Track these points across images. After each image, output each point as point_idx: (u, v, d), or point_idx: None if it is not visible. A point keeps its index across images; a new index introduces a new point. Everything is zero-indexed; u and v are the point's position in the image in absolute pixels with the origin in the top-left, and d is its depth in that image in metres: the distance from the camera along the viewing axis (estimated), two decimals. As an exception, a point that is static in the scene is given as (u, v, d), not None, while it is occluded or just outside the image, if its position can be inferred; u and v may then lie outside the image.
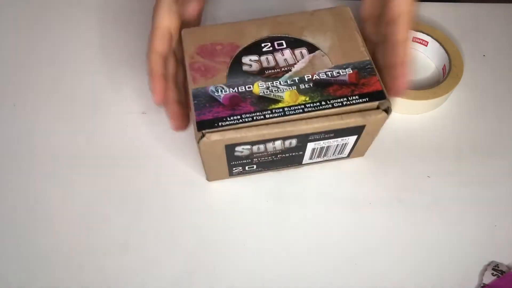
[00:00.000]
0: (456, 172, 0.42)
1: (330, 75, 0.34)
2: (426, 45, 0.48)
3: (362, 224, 0.39)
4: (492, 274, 0.36)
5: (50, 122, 0.44)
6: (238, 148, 0.33)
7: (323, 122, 0.33)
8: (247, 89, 0.33)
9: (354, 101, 0.33)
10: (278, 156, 0.37)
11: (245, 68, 0.34)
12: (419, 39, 0.48)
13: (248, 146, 0.33)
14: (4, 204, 0.39)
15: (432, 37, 0.47)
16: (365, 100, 0.33)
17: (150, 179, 0.41)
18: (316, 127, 0.33)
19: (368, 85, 0.34)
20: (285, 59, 0.35)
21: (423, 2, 0.53)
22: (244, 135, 0.32)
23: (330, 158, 0.40)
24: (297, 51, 0.35)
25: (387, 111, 0.33)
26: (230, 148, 0.33)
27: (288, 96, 0.33)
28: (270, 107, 0.32)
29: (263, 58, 0.35)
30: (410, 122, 0.44)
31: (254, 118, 0.32)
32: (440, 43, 0.47)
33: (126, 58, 0.48)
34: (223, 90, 0.33)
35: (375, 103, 0.33)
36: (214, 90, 0.33)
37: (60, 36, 0.50)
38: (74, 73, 0.47)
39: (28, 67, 0.47)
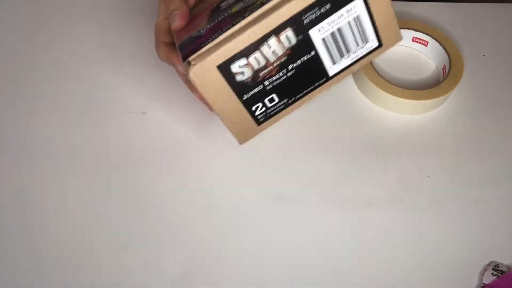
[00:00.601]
0: (456, 172, 0.42)
1: None
2: (426, 45, 0.48)
3: (362, 224, 0.39)
4: (492, 274, 0.36)
5: (50, 122, 0.44)
6: (234, 68, 0.30)
7: None
8: (225, 15, 0.31)
9: None
10: (290, 68, 0.31)
11: (223, 6, 0.32)
12: (419, 39, 0.48)
13: (244, 60, 0.30)
14: (4, 204, 0.39)
15: (432, 37, 0.47)
16: None
17: (150, 179, 0.41)
18: (301, 1, 0.28)
19: None
20: None
21: (423, 2, 0.53)
22: (229, 45, 0.29)
23: (361, 54, 0.32)
24: None
25: None
26: (226, 71, 0.30)
27: None
28: (249, 8, 0.29)
29: None
30: (410, 122, 0.44)
31: (234, 23, 0.29)
32: (440, 43, 0.47)
33: (126, 58, 0.48)
34: (204, 28, 0.31)
35: None
36: (196, 33, 0.32)
37: (60, 36, 0.50)
38: (74, 73, 0.47)
39: (28, 67, 0.47)
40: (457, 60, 0.46)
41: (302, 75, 0.32)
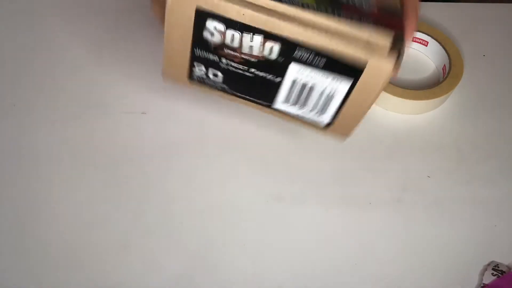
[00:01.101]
0: (456, 172, 0.42)
1: (350, 1, 0.28)
2: (426, 45, 0.48)
3: (362, 224, 0.39)
4: (492, 274, 0.36)
5: (50, 122, 0.44)
6: (209, 24, 0.28)
7: (319, 31, 0.27)
8: None
9: (365, 24, 0.26)
10: (251, 70, 0.30)
11: None
12: (419, 39, 0.48)
13: (221, 27, 0.28)
14: (4, 204, 0.39)
15: (432, 37, 0.47)
16: (379, 28, 0.26)
17: (150, 179, 0.41)
18: (310, 34, 0.27)
19: (389, 20, 0.27)
20: None
21: (423, 2, 0.53)
22: (220, 2, 0.26)
23: (307, 116, 0.32)
24: None
25: (399, 53, 0.27)
26: (200, 20, 0.28)
27: None
28: None
29: None
30: (410, 122, 0.44)
31: None
32: (440, 43, 0.47)
33: (126, 58, 0.48)
34: None
35: (387, 43, 0.27)
36: None
37: (60, 36, 0.50)
38: (74, 73, 0.47)
39: (28, 67, 0.47)
40: (457, 60, 0.46)
41: (253, 84, 0.31)
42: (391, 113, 0.45)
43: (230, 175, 0.41)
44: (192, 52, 0.30)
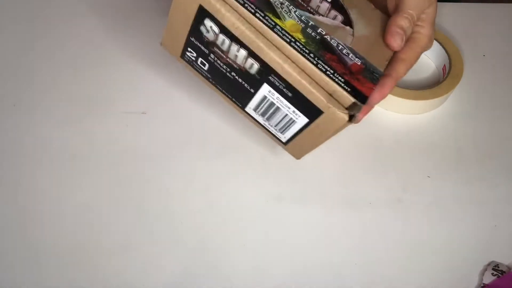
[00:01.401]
0: (456, 172, 0.42)
1: (339, 48, 0.31)
2: None
3: (362, 224, 0.39)
4: (492, 274, 0.36)
5: (50, 122, 0.44)
6: (207, 23, 0.31)
7: (294, 69, 0.30)
8: None
9: (336, 80, 0.30)
10: (232, 74, 0.33)
11: None
12: None
13: (216, 29, 0.31)
14: (4, 204, 0.39)
15: None
16: (346, 89, 0.30)
17: (150, 179, 0.41)
18: (284, 68, 0.30)
19: (361, 83, 0.30)
20: (318, 6, 0.33)
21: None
22: (221, 9, 0.29)
23: (270, 129, 0.36)
24: (333, 12, 0.33)
25: (352, 118, 0.30)
26: (200, 16, 0.31)
27: (290, 24, 0.30)
28: (267, 13, 0.30)
29: None
30: (410, 122, 0.44)
31: (245, 4, 0.29)
32: (440, 43, 0.47)
33: (126, 58, 0.48)
34: None
35: (348, 101, 0.30)
36: None
37: (60, 36, 0.50)
38: (74, 73, 0.47)
39: (28, 67, 0.47)
40: (457, 60, 0.46)
41: (232, 85, 0.34)
42: (391, 113, 0.45)
43: (230, 175, 0.41)
44: (188, 37, 0.33)
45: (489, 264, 0.37)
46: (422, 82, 0.47)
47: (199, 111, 0.44)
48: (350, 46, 0.32)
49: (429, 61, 0.49)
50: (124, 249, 0.37)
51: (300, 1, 0.32)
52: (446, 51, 0.46)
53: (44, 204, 0.39)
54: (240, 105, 0.35)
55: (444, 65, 0.46)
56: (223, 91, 0.36)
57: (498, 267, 0.37)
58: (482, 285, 0.36)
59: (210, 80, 0.36)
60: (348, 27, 0.33)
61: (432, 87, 0.44)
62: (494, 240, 0.38)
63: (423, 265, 0.37)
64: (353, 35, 0.33)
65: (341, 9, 0.34)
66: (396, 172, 0.41)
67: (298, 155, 0.37)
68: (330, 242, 0.38)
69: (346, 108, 0.30)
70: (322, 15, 0.33)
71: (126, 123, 0.44)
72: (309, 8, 0.32)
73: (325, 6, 0.33)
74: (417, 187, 0.41)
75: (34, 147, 0.42)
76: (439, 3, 0.53)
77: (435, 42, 0.47)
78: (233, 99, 0.36)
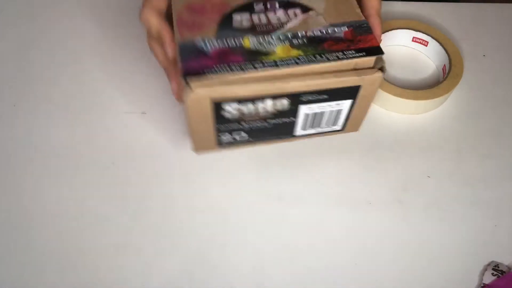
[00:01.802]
0: (456, 172, 0.42)
1: (325, 32, 0.33)
2: (426, 45, 0.48)
3: (362, 224, 0.39)
4: (492, 274, 0.36)
5: (50, 122, 0.44)
6: (226, 107, 0.31)
7: (316, 79, 0.31)
8: (237, 43, 0.31)
9: (350, 55, 0.31)
10: (269, 121, 0.34)
11: (235, 24, 0.33)
12: (419, 39, 0.48)
13: (236, 105, 0.31)
14: (3, 204, 0.39)
15: (432, 37, 0.47)
16: (362, 54, 0.31)
17: (150, 179, 0.41)
18: (309, 84, 0.31)
19: (364, 41, 0.32)
20: (278, 18, 0.34)
21: (423, 2, 0.53)
22: (232, 89, 0.30)
23: (324, 130, 0.37)
24: (290, 11, 0.34)
25: (382, 69, 0.32)
26: (217, 105, 0.31)
27: (280, 50, 0.31)
28: (261, 59, 0.31)
29: (255, 16, 0.33)
30: (410, 122, 0.44)
31: (244, 68, 0.30)
32: (440, 43, 0.47)
33: (126, 58, 0.48)
34: (211, 43, 0.31)
35: (371, 62, 0.32)
36: (202, 42, 0.31)
37: (60, 36, 0.50)
38: (74, 73, 0.47)
39: (28, 67, 0.47)
40: (457, 60, 0.46)
41: (275, 129, 0.35)
42: (391, 113, 0.45)
43: (230, 175, 0.41)
44: (216, 128, 0.34)
45: (489, 264, 0.37)
46: (422, 82, 0.47)
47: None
48: (328, 24, 0.33)
49: (429, 61, 0.49)
50: (124, 249, 0.37)
51: (265, 28, 0.33)
52: (446, 51, 0.46)
53: (44, 204, 0.39)
54: (288, 137, 0.37)
55: (444, 65, 0.46)
56: (270, 139, 0.37)
57: (498, 267, 0.37)
58: (482, 285, 0.36)
59: (254, 141, 0.37)
60: (310, 12, 0.34)
61: (432, 87, 0.44)
62: (494, 240, 0.38)
63: (423, 265, 0.37)
64: (319, 13, 0.34)
65: (292, 5, 0.35)
66: (396, 172, 0.41)
67: (355, 128, 0.39)
68: (330, 242, 0.38)
69: (373, 67, 0.32)
70: (288, 22, 0.34)
71: (126, 123, 0.44)
72: (275, 26, 0.33)
73: (281, 14, 0.34)
74: (417, 187, 0.41)
75: (34, 147, 0.42)
76: (439, 3, 0.53)
77: (435, 42, 0.47)
78: (281, 137, 0.37)
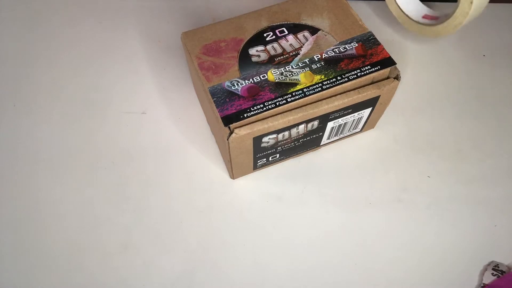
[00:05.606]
0: (456, 172, 0.42)
1: (338, 51, 0.35)
2: (437, 19, 0.47)
3: (362, 224, 0.39)
4: (492, 274, 0.36)
5: (50, 122, 0.44)
6: (264, 139, 0.34)
7: (343, 99, 0.33)
8: (262, 78, 0.34)
9: (367, 71, 0.34)
10: (300, 141, 0.37)
11: (254, 59, 0.35)
12: (431, 16, 0.47)
13: (274, 135, 0.34)
14: (3, 204, 0.39)
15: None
16: (377, 68, 0.34)
17: (150, 179, 0.41)
18: (337, 105, 0.34)
19: (376, 55, 0.35)
20: (291, 44, 0.35)
21: (423, 2, 0.53)
22: (271, 125, 0.32)
23: (346, 135, 0.41)
24: (299, 35, 0.36)
25: (397, 78, 0.35)
26: (257, 140, 0.34)
27: (303, 77, 0.34)
28: (290, 91, 0.33)
29: (269, 47, 0.35)
30: (410, 122, 0.44)
31: (277, 104, 0.32)
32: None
33: (126, 58, 0.48)
34: (239, 83, 0.34)
35: (386, 72, 0.34)
36: (230, 84, 0.34)
37: (60, 36, 0.50)
38: (74, 73, 0.47)
39: (28, 67, 0.47)
40: None
41: (304, 145, 0.39)
42: (391, 113, 0.45)
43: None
44: (255, 158, 0.37)
45: (489, 264, 0.37)
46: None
47: (199, 111, 0.44)
48: (337, 42, 0.35)
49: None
50: (124, 249, 0.37)
51: (282, 57, 0.35)
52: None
53: (44, 204, 0.39)
54: (314, 147, 0.41)
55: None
56: (298, 153, 0.41)
57: (498, 267, 0.37)
58: (482, 285, 0.36)
59: (284, 158, 0.40)
60: (319, 32, 0.36)
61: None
62: (494, 240, 0.38)
63: (423, 265, 0.37)
64: (327, 32, 0.36)
65: (299, 27, 0.37)
66: (396, 172, 0.41)
67: (372, 127, 0.43)
68: (330, 242, 0.38)
69: (388, 77, 0.35)
70: (302, 47, 0.35)
71: (126, 123, 0.44)
72: (291, 54, 0.35)
73: (292, 40, 0.36)
74: (417, 187, 0.41)
75: (34, 147, 0.42)
76: (439, 3, 0.53)
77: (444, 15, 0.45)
78: (307, 150, 0.41)
